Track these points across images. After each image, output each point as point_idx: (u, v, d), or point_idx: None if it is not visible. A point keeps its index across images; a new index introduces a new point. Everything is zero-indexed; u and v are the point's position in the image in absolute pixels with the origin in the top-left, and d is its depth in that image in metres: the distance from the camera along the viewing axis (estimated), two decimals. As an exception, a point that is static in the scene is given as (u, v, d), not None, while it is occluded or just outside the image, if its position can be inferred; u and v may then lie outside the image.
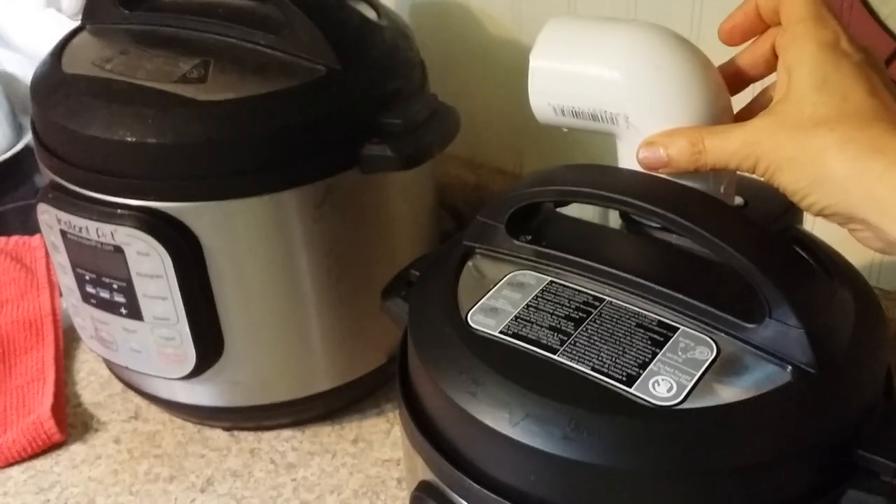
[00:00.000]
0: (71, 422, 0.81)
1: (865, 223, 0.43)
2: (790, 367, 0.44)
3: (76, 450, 0.78)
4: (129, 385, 0.80)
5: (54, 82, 0.68)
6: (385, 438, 0.77)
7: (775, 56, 0.50)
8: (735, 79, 0.52)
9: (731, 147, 0.46)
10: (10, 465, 0.77)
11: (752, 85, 0.53)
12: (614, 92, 0.50)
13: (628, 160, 0.51)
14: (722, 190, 0.51)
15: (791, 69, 0.46)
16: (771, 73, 0.52)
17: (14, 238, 1.00)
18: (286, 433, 0.78)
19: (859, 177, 0.42)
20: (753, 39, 0.52)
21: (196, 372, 0.70)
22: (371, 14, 0.74)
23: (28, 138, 1.15)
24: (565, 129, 0.54)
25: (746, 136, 0.46)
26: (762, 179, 0.46)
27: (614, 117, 0.50)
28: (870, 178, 0.42)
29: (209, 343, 0.69)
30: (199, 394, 0.74)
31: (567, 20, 0.53)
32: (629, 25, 0.51)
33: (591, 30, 0.52)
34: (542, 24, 0.53)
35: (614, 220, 0.56)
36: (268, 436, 0.78)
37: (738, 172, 0.48)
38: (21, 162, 1.14)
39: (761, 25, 0.50)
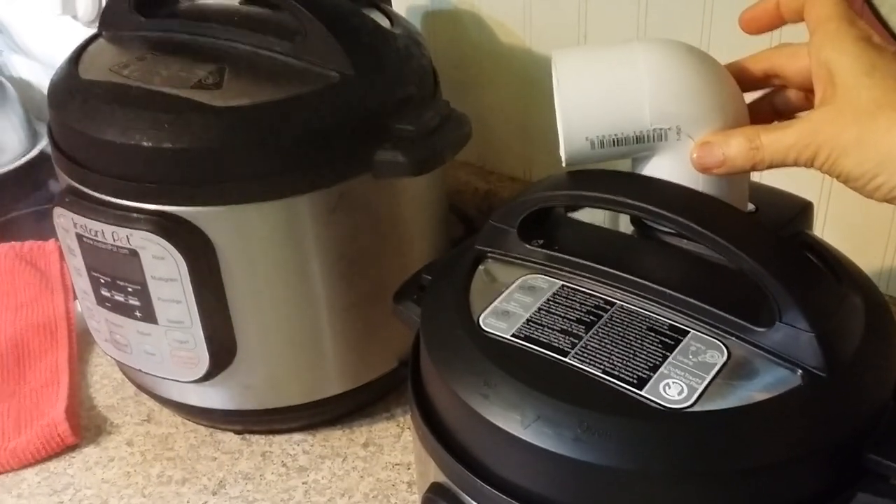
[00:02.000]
0: (84, 424, 0.81)
1: None
2: (800, 370, 0.44)
3: (89, 452, 0.79)
4: (142, 388, 0.80)
5: (71, 88, 0.69)
6: (395, 442, 0.78)
7: (772, 73, 0.51)
8: None
9: (788, 140, 0.46)
10: (25, 467, 0.77)
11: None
12: (665, 105, 0.49)
13: (668, 172, 0.51)
14: (735, 196, 0.52)
15: (831, 64, 0.45)
16: (764, 86, 0.53)
17: (29, 243, 1.01)
18: (297, 436, 0.79)
19: None
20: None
21: (209, 375, 0.71)
22: (384, 22, 0.75)
23: (43, 144, 1.16)
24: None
25: (804, 127, 0.45)
26: (821, 171, 0.46)
27: (664, 133, 0.49)
28: None
29: (222, 346, 0.70)
30: (212, 397, 0.75)
31: (574, 50, 0.52)
32: (643, 42, 0.51)
33: (605, 53, 0.51)
34: (554, 33, 0.53)
35: (625, 225, 0.56)
36: (279, 439, 0.79)
37: (797, 166, 0.48)
38: (36, 167, 1.15)
39: (779, 21, 0.51)
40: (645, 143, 0.50)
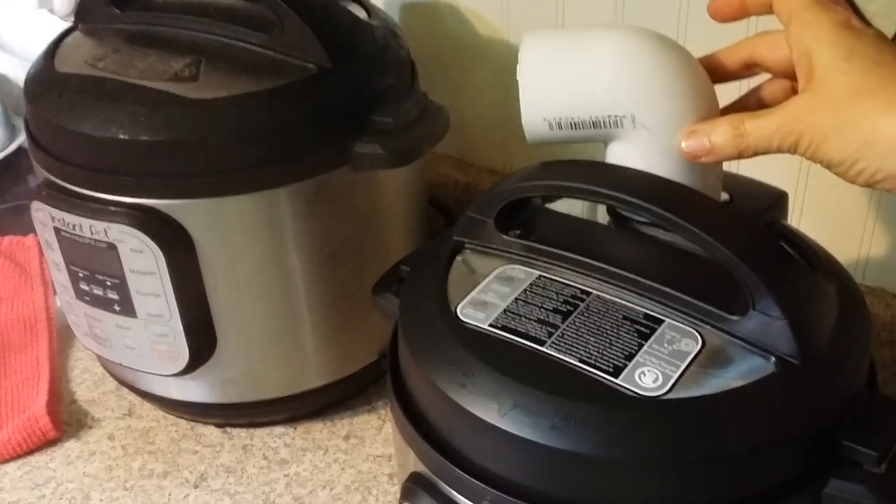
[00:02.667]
0: (65, 419, 0.81)
1: None
2: (774, 358, 0.45)
3: (71, 446, 0.78)
4: (123, 382, 0.80)
5: (47, 81, 0.69)
6: (377, 434, 0.78)
7: (752, 63, 0.52)
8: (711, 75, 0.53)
9: (771, 127, 0.46)
10: (6, 461, 0.77)
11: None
12: (619, 93, 0.49)
13: (631, 160, 0.51)
14: (708, 186, 0.52)
15: (810, 51, 0.46)
16: (745, 76, 0.53)
17: (8, 238, 1.00)
18: (279, 429, 0.79)
19: None
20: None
21: (189, 368, 0.71)
22: (361, 13, 0.75)
23: (21, 139, 1.15)
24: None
25: (785, 114, 0.46)
26: (804, 157, 0.46)
27: (619, 120, 0.50)
28: None
29: (202, 339, 0.70)
30: (193, 390, 0.75)
31: (544, 32, 0.53)
32: (610, 29, 0.52)
33: (573, 38, 0.52)
34: (532, 26, 0.53)
35: (602, 215, 0.56)
36: (260, 432, 0.79)
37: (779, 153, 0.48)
38: (14, 162, 1.14)
39: (743, 13, 0.51)
40: (602, 129, 0.51)
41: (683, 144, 0.49)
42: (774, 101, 0.53)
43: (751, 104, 0.54)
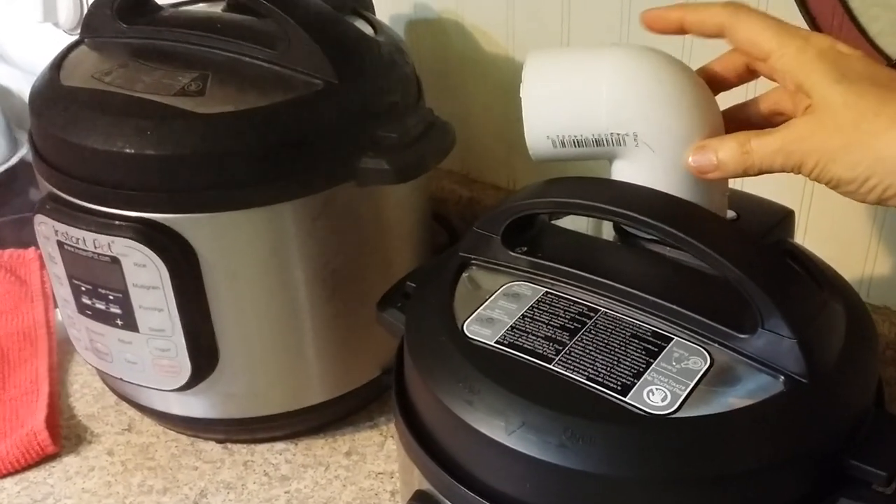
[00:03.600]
0: (65, 434, 0.81)
1: None
2: (782, 376, 0.45)
3: (70, 461, 0.78)
4: (123, 397, 0.80)
5: (53, 94, 0.69)
6: (378, 451, 0.77)
7: (748, 70, 0.52)
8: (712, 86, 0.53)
9: (774, 146, 0.47)
10: (4, 476, 0.76)
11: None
12: (622, 112, 0.50)
13: (635, 178, 0.51)
14: (714, 203, 0.52)
15: (802, 84, 0.47)
16: (746, 80, 0.54)
17: (9, 251, 1.00)
18: (280, 446, 0.78)
19: None
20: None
21: (191, 384, 0.70)
22: (368, 30, 0.75)
23: (23, 152, 1.15)
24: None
25: (788, 134, 0.46)
26: (810, 178, 0.46)
27: (622, 138, 0.50)
28: None
29: (204, 355, 0.70)
30: (194, 405, 0.74)
31: (547, 51, 0.53)
32: (613, 47, 0.52)
33: (576, 57, 0.52)
34: (537, 43, 0.54)
35: (608, 232, 0.56)
36: (261, 448, 0.78)
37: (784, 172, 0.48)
38: (16, 175, 1.14)
39: (679, 32, 0.52)
40: (605, 147, 0.51)
41: (691, 160, 0.50)
42: (776, 108, 0.53)
43: (750, 113, 0.54)
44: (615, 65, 0.50)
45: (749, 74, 0.53)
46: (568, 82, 0.51)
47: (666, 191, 0.51)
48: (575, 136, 0.51)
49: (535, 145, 0.52)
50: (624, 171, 0.52)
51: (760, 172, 0.48)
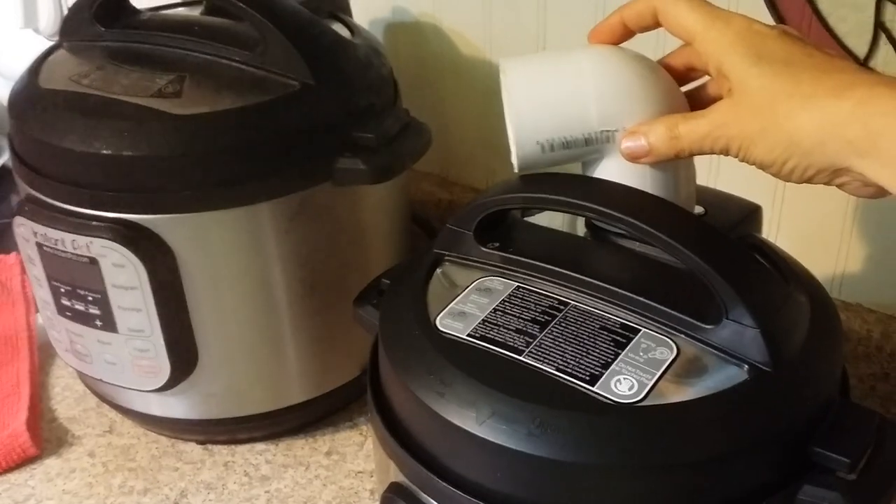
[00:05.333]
0: (46, 436, 0.81)
1: (848, 171, 0.45)
2: (747, 366, 0.46)
3: (51, 463, 0.78)
4: (104, 399, 0.80)
5: (32, 97, 0.69)
6: (358, 451, 0.78)
7: (690, 67, 0.53)
8: None
9: (702, 130, 0.48)
10: (-15, 478, 0.77)
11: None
12: (610, 108, 0.50)
13: (621, 174, 0.52)
14: (682, 198, 0.53)
15: (722, 66, 0.47)
16: (691, 79, 0.54)
17: (-11, 256, 1.00)
18: (260, 446, 0.79)
19: (830, 126, 0.43)
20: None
21: (170, 384, 0.71)
22: (345, 32, 0.76)
23: (5, 158, 1.15)
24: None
25: (712, 119, 0.48)
26: (738, 159, 0.47)
27: (610, 135, 0.51)
28: (840, 123, 0.43)
29: (183, 355, 0.70)
30: (174, 406, 0.75)
31: (522, 58, 0.53)
32: (584, 48, 0.53)
33: (553, 60, 0.52)
34: (514, 45, 0.54)
35: (581, 228, 0.57)
36: (242, 449, 0.79)
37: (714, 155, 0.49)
38: (-2, 182, 1.14)
39: (627, 35, 0.53)
40: (593, 146, 0.51)
41: (623, 145, 0.50)
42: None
43: (703, 97, 0.55)
44: (596, 63, 0.51)
45: (692, 73, 0.54)
46: (555, 86, 0.51)
47: (655, 182, 0.51)
48: (565, 138, 0.51)
49: (524, 152, 0.52)
50: (611, 168, 0.52)
51: (692, 155, 0.49)
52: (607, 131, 0.51)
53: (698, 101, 0.53)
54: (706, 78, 0.54)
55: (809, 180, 0.46)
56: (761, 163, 0.46)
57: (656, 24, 0.51)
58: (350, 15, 0.83)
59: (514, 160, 0.52)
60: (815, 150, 0.44)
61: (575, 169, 0.54)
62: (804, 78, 0.45)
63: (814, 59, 0.46)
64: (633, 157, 0.50)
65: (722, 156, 0.48)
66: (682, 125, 0.48)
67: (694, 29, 0.49)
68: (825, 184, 0.46)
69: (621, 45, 0.54)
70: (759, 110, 0.45)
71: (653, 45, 0.56)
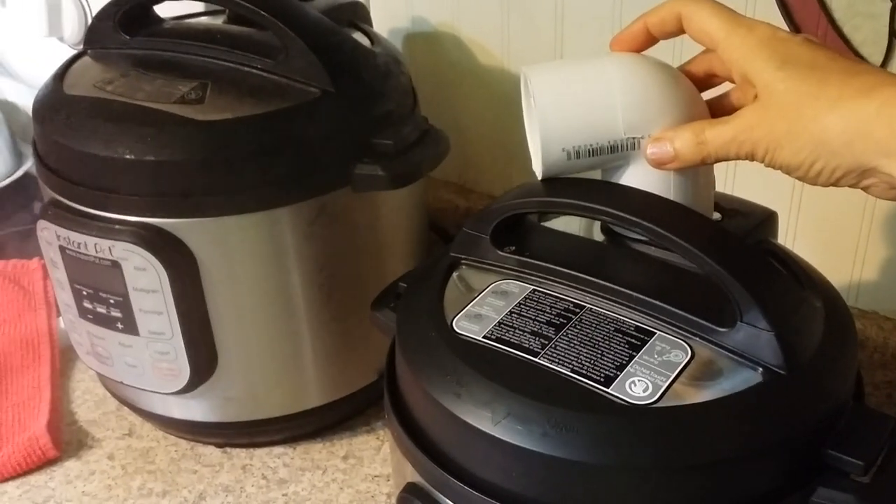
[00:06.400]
0: (66, 439, 0.82)
1: (875, 172, 0.45)
2: (761, 368, 0.46)
3: (71, 466, 0.79)
4: (124, 401, 0.81)
5: (56, 103, 0.70)
6: (375, 455, 0.78)
7: (711, 73, 0.53)
8: None
9: (727, 135, 0.48)
10: (6, 480, 0.78)
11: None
12: (637, 114, 0.51)
13: (645, 180, 0.52)
14: (701, 205, 0.53)
15: (746, 72, 0.48)
16: (712, 86, 0.55)
17: (13, 261, 1.02)
18: (278, 449, 0.79)
19: (857, 126, 0.44)
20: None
21: (190, 387, 0.72)
22: (365, 41, 0.77)
23: (28, 165, 1.17)
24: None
25: (738, 124, 0.48)
26: (764, 164, 0.48)
27: (636, 141, 0.51)
28: (867, 123, 0.43)
29: (203, 358, 0.71)
30: (193, 409, 0.76)
31: (545, 65, 0.54)
32: (609, 55, 0.53)
33: (578, 67, 0.53)
34: (531, 53, 0.54)
35: (598, 234, 0.58)
36: (260, 452, 0.79)
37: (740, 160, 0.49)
38: (21, 188, 1.16)
39: (651, 42, 0.53)
40: (619, 153, 0.52)
41: (648, 151, 0.51)
42: (732, 107, 0.54)
43: (725, 105, 0.55)
44: (622, 70, 0.52)
45: (713, 79, 0.54)
46: (581, 92, 0.51)
47: (677, 188, 0.52)
48: (591, 146, 0.51)
49: (550, 160, 0.52)
50: (634, 175, 0.52)
51: (717, 161, 0.49)
52: (633, 138, 0.51)
53: (718, 110, 0.54)
54: (727, 86, 0.54)
55: (836, 182, 0.46)
56: (788, 166, 0.46)
57: (680, 31, 0.52)
58: (370, 24, 0.84)
59: (538, 167, 0.53)
60: (843, 150, 0.44)
61: (594, 176, 0.55)
62: (830, 80, 0.45)
63: (838, 62, 0.46)
64: (659, 164, 0.51)
65: (738, 162, 0.49)
66: (709, 130, 0.49)
67: (717, 35, 0.49)
68: (851, 186, 0.46)
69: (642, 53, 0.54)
70: (786, 113, 0.46)
71: (670, 54, 0.56)
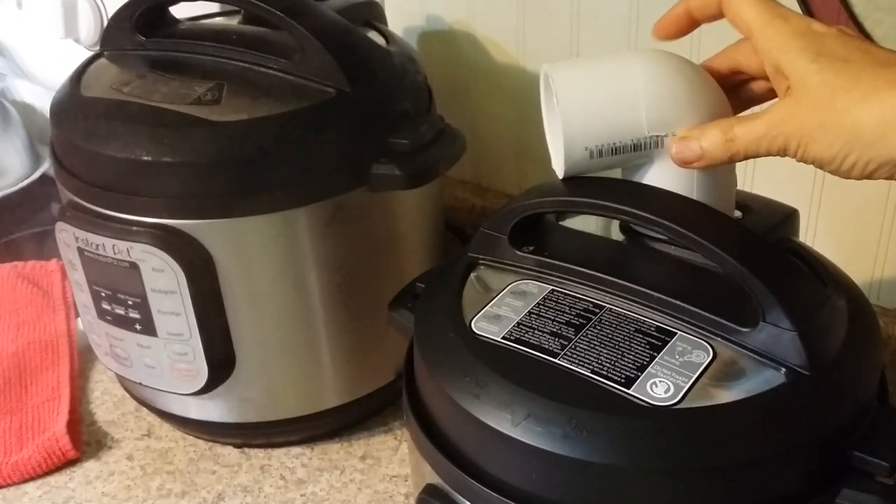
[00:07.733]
0: (85, 439, 0.82)
1: None
2: (784, 369, 0.45)
3: (90, 466, 0.79)
4: (143, 402, 0.81)
5: (73, 104, 0.71)
6: (393, 455, 0.78)
7: (736, 70, 0.53)
8: None
9: (758, 131, 0.47)
10: (26, 480, 0.78)
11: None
12: (660, 112, 0.50)
13: (668, 179, 0.51)
14: (723, 204, 0.53)
15: (780, 64, 0.47)
16: (734, 82, 0.54)
17: (31, 262, 1.02)
18: (296, 450, 0.79)
19: (891, 117, 0.43)
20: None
21: (208, 387, 0.72)
22: (380, 41, 0.77)
23: (45, 167, 1.18)
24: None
25: (770, 118, 0.47)
26: (795, 159, 0.47)
27: (660, 140, 0.50)
28: None
29: (221, 359, 0.71)
30: (211, 410, 0.76)
31: (567, 62, 0.53)
32: (632, 52, 0.53)
33: (600, 65, 0.52)
34: (547, 52, 0.53)
35: (616, 232, 0.57)
36: (278, 452, 0.79)
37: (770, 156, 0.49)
38: (38, 190, 1.17)
39: (692, 25, 0.53)
40: (641, 151, 0.51)
41: (674, 150, 0.50)
42: (752, 100, 0.54)
43: (744, 99, 0.54)
44: (645, 68, 0.51)
45: (735, 76, 0.54)
46: (604, 90, 0.51)
47: (700, 187, 0.51)
48: (614, 144, 0.51)
49: (572, 158, 0.51)
50: (656, 173, 0.52)
51: (746, 158, 0.48)
52: (656, 136, 0.50)
53: (737, 107, 0.53)
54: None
55: (871, 175, 0.45)
56: (821, 160, 0.46)
57: (720, 15, 0.51)
58: (385, 23, 0.83)
59: (559, 166, 0.52)
60: (877, 143, 0.44)
61: (614, 175, 0.54)
62: (863, 74, 0.44)
63: (872, 55, 0.46)
64: (685, 163, 0.50)
65: (757, 159, 0.48)
66: (738, 127, 0.48)
67: (753, 24, 0.48)
68: (886, 178, 0.46)
69: (661, 49, 0.53)
70: (819, 106, 0.45)
71: (688, 51, 0.56)
